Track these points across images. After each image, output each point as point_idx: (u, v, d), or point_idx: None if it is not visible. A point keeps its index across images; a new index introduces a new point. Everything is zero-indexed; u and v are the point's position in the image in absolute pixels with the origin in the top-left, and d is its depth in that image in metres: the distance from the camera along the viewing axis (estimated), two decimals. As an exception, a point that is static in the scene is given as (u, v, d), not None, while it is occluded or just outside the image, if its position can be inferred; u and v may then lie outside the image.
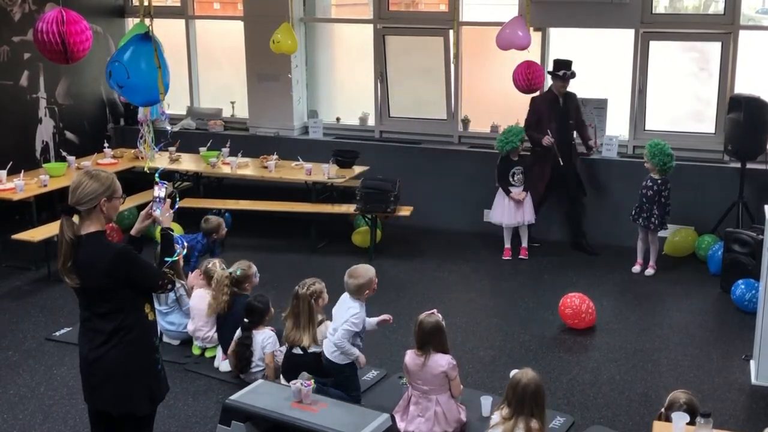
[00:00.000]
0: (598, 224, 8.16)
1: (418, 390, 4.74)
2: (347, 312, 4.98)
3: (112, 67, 4.93)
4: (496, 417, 4.01)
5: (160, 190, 3.80)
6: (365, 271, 5.03)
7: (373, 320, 5.23)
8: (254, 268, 5.75)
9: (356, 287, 4.97)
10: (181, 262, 5.92)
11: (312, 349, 5.14)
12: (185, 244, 6.01)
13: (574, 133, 7.92)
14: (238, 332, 5.44)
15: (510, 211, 7.78)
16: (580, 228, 8.14)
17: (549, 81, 8.00)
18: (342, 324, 4.96)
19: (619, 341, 6.13)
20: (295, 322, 5.19)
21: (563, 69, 7.73)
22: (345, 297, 5.09)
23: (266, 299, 5.50)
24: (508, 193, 7.75)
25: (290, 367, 5.15)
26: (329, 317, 5.28)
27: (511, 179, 7.75)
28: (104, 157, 8.84)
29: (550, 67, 8.42)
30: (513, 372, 4.22)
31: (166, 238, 3.76)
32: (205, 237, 6.80)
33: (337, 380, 5.09)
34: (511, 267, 7.74)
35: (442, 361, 4.66)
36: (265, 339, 5.38)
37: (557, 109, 7.83)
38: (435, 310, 4.82)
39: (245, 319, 5.39)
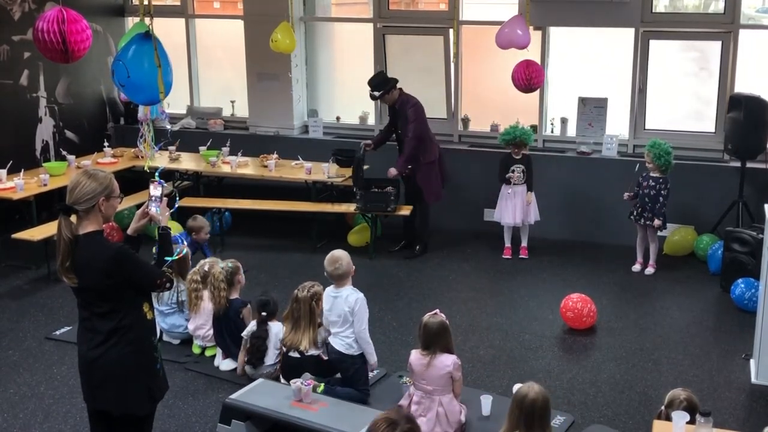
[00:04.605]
0: (598, 223, 8.17)
1: (422, 390, 4.73)
2: (346, 302, 5.03)
3: (115, 65, 4.94)
4: None
5: (156, 189, 3.79)
6: (342, 254, 5.16)
7: None
8: (240, 265, 5.79)
9: (344, 272, 5.07)
10: (189, 263, 5.96)
11: (310, 352, 5.14)
12: (185, 242, 6.03)
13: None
14: (252, 327, 5.44)
15: (514, 210, 7.77)
16: (411, 230, 8.12)
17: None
18: (356, 319, 5.01)
19: (619, 340, 6.13)
20: (294, 325, 5.19)
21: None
22: (332, 291, 5.13)
23: (273, 296, 5.58)
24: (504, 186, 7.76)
25: (288, 370, 5.16)
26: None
27: (510, 175, 7.75)
28: (104, 156, 8.85)
29: (550, 67, 8.44)
30: (516, 386, 3.96)
31: (164, 238, 3.76)
32: (189, 236, 6.81)
33: (348, 374, 5.10)
34: (511, 266, 7.73)
35: (447, 361, 4.66)
36: (279, 330, 5.39)
37: (392, 119, 8.06)
38: (437, 311, 4.82)
39: (262, 313, 5.41)
